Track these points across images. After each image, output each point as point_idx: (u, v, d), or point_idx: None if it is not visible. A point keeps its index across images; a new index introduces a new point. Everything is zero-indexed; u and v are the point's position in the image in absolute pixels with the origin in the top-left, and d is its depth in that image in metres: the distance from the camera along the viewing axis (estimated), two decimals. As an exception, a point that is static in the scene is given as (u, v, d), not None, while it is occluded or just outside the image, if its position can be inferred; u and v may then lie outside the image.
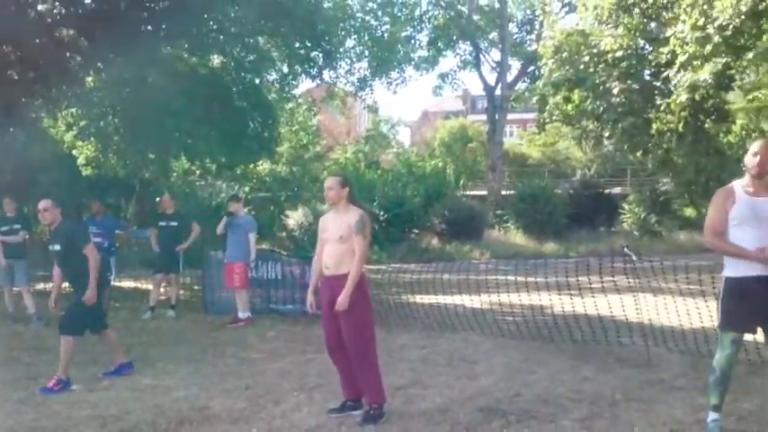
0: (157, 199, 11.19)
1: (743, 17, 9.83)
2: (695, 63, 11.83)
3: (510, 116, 35.41)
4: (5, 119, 13.01)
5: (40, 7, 11.98)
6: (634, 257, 7.47)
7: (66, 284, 6.73)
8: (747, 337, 4.60)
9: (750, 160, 4.25)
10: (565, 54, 18.92)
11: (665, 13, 12.07)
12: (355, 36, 27.70)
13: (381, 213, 23.43)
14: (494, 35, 32.33)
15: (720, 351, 4.33)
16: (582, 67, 18.18)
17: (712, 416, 4.34)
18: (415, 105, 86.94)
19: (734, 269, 4.28)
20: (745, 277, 4.21)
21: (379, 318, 9.06)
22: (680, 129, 15.24)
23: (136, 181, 20.30)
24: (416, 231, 23.90)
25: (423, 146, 43.68)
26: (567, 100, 21.08)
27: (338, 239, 4.87)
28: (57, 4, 11.64)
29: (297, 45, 14.11)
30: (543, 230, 25.39)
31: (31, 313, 9.53)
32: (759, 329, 4.35)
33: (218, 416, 5.08)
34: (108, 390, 5.97)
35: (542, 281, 8.71)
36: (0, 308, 10.17)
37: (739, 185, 4.35)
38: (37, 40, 11.69)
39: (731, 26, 9.98)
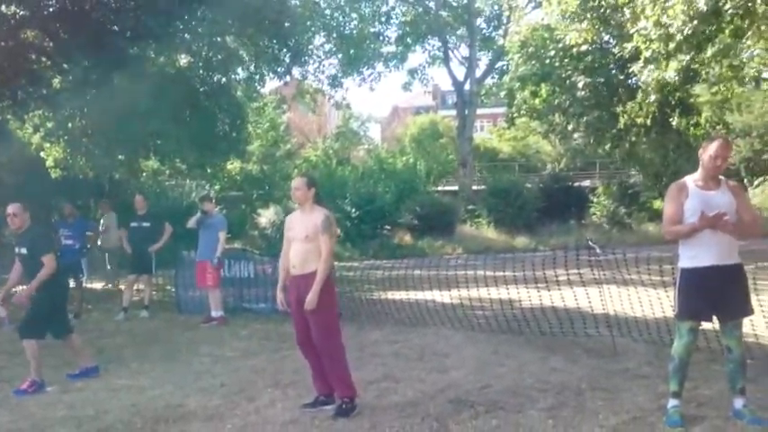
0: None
1: (696, 21, 10.09)
2: (660, 59, 12.10)
3: (480, 111, 35.73)
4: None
5: (3, 9, 11.83)
6: (598, 250, 7.68)
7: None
8: (707, 325, 4.80)
9: (708, 162, 4.42)
10: (531, 49, 19.21)
11: (626, 11, 12.32)
12: (324, 33, 27.74)
13: (353, 210, 23.53)
14: (462, 30, 32.56)
15: (678, 339, 4.52)
16: (548, 61, 18.48)
17: (672, 402, 4.53)
18: (385, 101, 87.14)
19: (689, 260, 4.46)
20: (700, 267, 4.40)
21: (351, 314, 9.24)
22: (647, 123, 15.59)
23: (106, 181, 20.11)
24: (388, 228, 24.04)
25: (393, 142, 43.84)
26: (535, 94, 21.38)
27: (304, 239, 4.98)
28: (21, 5, 11.50)
29: (264, 44, 14.12)
30: (514, 224, 25.72)
31: (1, 317, 9.44)
32: (714, 318, 4.55)
33: (194, 413, 5.15)
34: (83, 390, 5.99)
35: (511, 275, 8.89)
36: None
37: (691, 180, 4.55)
38: (1, 43, 11.57)
39: (687, 28, 10.25)
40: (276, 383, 5.92)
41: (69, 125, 13.49)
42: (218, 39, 13.48)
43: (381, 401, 5.28)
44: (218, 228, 9.61)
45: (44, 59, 12.68)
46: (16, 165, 17.27)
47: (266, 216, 24.38)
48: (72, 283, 10.61)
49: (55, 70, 12.89)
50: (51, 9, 11.41)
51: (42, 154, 15.97)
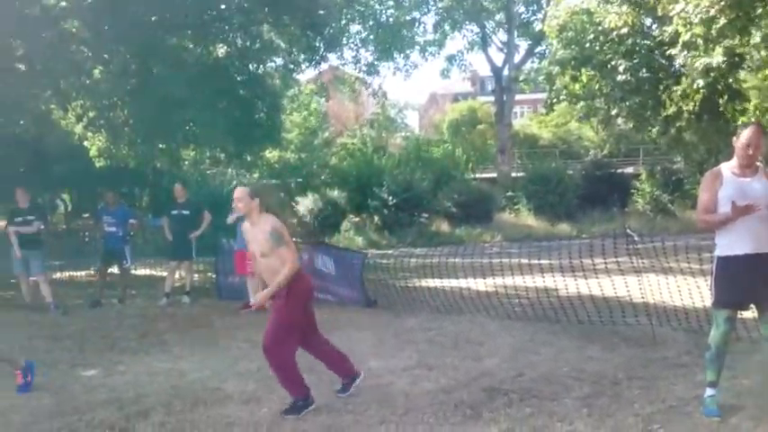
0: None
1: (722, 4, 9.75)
2: (699, 43, 11.78)
3: (519, 97, 35.31)
4: (16, 112, 13.20)
5: (45, 1, 12.09)
6: (636, 238, 7.56)
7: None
8: (747, 314, 4.70)
9: (741, 150, 4.32)
10: (570, 33, 18.85)
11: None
12: (360, 22, 27.70)
13: (390, 198, 23.55)
14: (500, 16, 32.17)
15: (715, 329, 4.44)
16: (588, 45, 18.12)
17: (709, 391, 4.46)
18: (423, 88, 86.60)
19: (725, 248, 4.37)
20: (735, 256, 4.30)
21: (387, 302, 9.28)
22: (695, 110, 15.21)
23: (148, 170, 20.52)
24: (426, 215, 23.99)
25: (431, 129, 43.65)
26: (575, 79, 21.02)
27: (261, 256, 4.83)
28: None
29: (298, 32, 14.18)
30: (555, 212, 25.43)
31: (48, 302, 9.74)
32: (752, 306, 4.45)
33: (231, 397, 5.25)
34: (125, 374, 6.15)
35: (548, 263, 8.82)
36: (18, 297, 10.42)
37: (727, 167, 4.44)
38: (43, 34, 11.82)
39: (729, 11, 9.94)
40: (311, 369, 5.97)
41: (110, 115, 13.76)
42: (254, 28, 13.58)
43: (414, 388, 5.30)
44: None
45: (85, 50, 12.94)
46: (61, 154, 17.74)
47: (304, 204, 24.57)
48: (116, 270, 10.95)
49: (96, 60, 13.14)
50: (91, 0, 11.62)
51: (86, 143, 16.33)
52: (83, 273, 14.23)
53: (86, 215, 22.29)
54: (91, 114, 14.08)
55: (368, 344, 6.90)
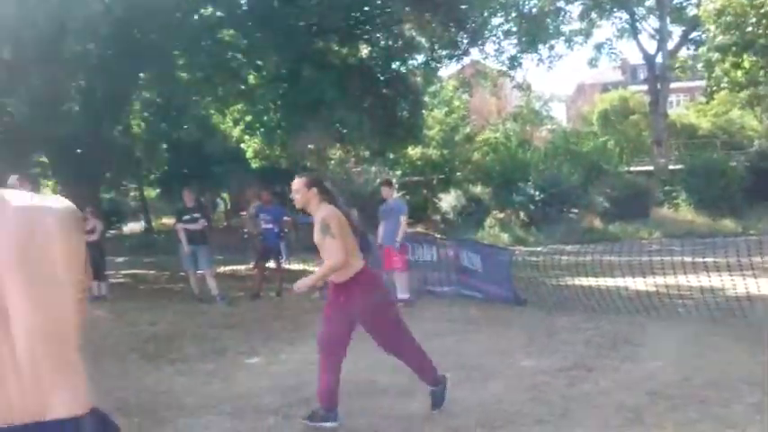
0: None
1: None
2: None
3: (674, 85, 33.22)
4: (179, 117, 14.30)
5: (202, 11, 12.94)
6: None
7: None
8: None
9: None
10: (729, 17, 17.46)
11: None
12: (502, 14, 27.25)
13: (537, 193, 23.02)
14: (650, 2, 30.41)
15: None
16: (749, 29, 16.69)
17: None
18: (570, 79, 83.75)
19: None
20: None
21: (538, 299, 9.06)
22: None
23: (298, 170, 21.45)
24: (575, 211, 23.21)
25: (579, 121, 42.10)
26: (737, 66, 19.44)
27: (317, 246, 4.56)
28: (218, 7, 12.53)
29: (441, 29, 14.20)
30: (717, 206, 23.68)
31: (214, 294, 10.44)
32: None
33: (385, 390, 5.34)
34: (286, 363, 6.44)
35: (713, 261, 8.21)
36: (187, 290, 11.25)
37: None
38: (202, 43, 12.67)
39: None
40: (461, 365, 5.97)
41: (265, 118, 14.52)
42: (396, 27, 13.78)
43: (572, 390, 5.12)
44: (398, 212, 9.84)
45: (240, 57, 13.74)
46: (220, 157, 19.03)
47: (447, 200, 24.61)
48: (273, 265, 11.51)
49: (250, 67, 13.92)
50: (245, 8, 12.30)
51: (243, 146, 17.36)
52: (242, 267, 15.12)
53: (244, 213, 23.71)
54: (247, 119, 14.94)
55: (519, 343, 6.77)
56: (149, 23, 10.64)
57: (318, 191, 4.59)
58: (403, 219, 9.79)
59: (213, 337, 7.83)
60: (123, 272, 15.65)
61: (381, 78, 14.81)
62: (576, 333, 7.16)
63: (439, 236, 13.07)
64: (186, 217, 10.53)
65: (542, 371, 5.68)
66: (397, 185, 11.31)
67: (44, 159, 14.77)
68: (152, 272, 16.25)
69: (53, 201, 1.62)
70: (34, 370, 1.45)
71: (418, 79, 18.31)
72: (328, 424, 4.56)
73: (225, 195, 26.92)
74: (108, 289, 11.45)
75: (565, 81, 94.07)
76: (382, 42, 14.65)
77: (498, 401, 4.89)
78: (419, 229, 18.15)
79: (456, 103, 31.90)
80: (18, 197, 1.56)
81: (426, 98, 22.35)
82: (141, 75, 12.57)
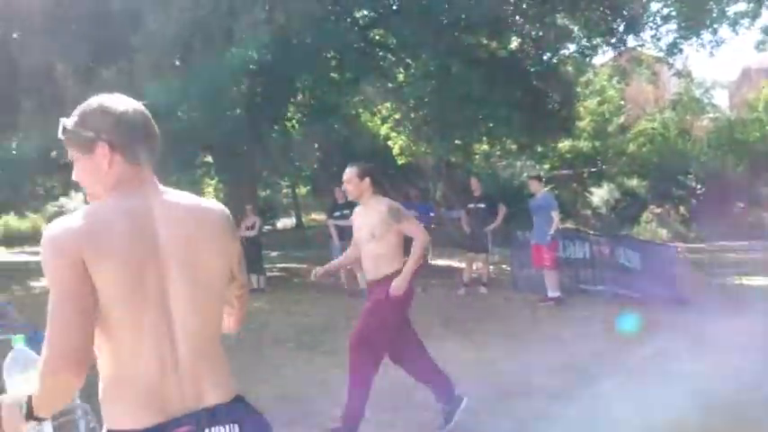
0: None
1: None
2: None
3: None
4: (329, 117, 14.78)
5: (356, 14, 13.26)
6: None
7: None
8: None
9: None
10: None
11: None
12: (662, -2, 25.61)
13: (698, 186, 21.53)
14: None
15: None
16: None
17: None
18: (734, 63, 77.34)
19: None
20: None
21: (702, 300, 8.44)
22: None
23: (442, 165, 21.52)
24: (741, 205, 21.45)
25: (744, 108, 38.75)
26: None
27: (371, 238, 4.33)
28: (371, 8, 12.81)
29: (596, 16, 13.60)
30: None
31: (362, 289, 10.68)
32: None
33: (539, 391, 5.20)
34: (436, 360, 6.44)
35: None
36: (337, 284, 11.62)
37: None
38: (354, 45, 13.00)
39: None
40: (617, 369, 5.69)
41: (412, 115, 14.65)
42: (548, 18, 13.37)
43: (741, 396, 4.71)
44: (549, 207, 9.58)
45: (389, 56, 13.97)
46: (367, 153, 19.47)
47: (599, 195, 23.63)
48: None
49: (399, 65, 14.11)
50: (395, 8, 12.48)
51: (389, 143, 17.65)
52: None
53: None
54: (396, 116, 15.17)
55: (683, 346, 6.34)
56: (306, 28, 11.09)
57: (372, 182, 4.46)
58: (555, 214, 9.52)
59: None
60: (278, 265, 16.46)
61: (531, 70, 14.45)
62: (749, 337, 6.59)
63: (591, 232, 12.55)
64: (337, 213, 10.89)
65: (708, 377, 5.28)
66: (544, 179, 11.01)
67: (208, 160, 15.84)
68: (304, 266, 16.96)
69: (212, 203, 1.73)
70: (192, 367, 1.58)
71: (569, 69, 17.69)
72: None
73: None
74: (265, 282, 12.09)
75: (729, 66, 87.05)
76: (533, 33, 14.27)
77: (663, 411, 4.60)
78: (569, 224, 17.56)
79: (610, 92, 30.44)
80: (185, 197, 1.68)
81: (578, 88, 21.55)
82: (297, 78, 13.11)
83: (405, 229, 4.34)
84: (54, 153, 10.90)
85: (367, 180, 4.43)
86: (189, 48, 9.90)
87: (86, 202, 1.70)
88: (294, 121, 15.67)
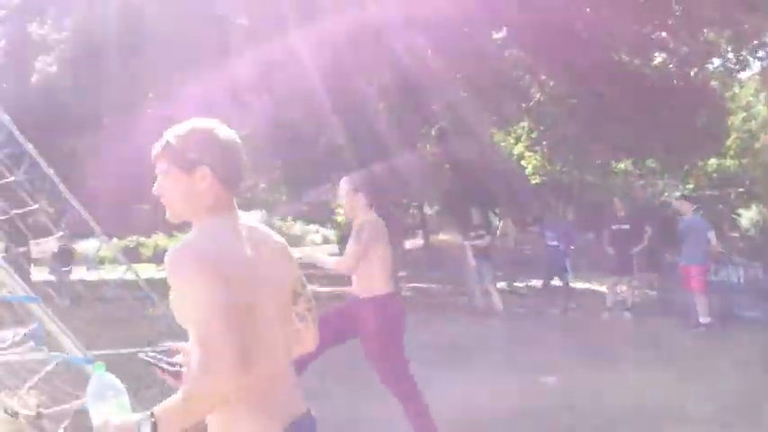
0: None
1: None
2: None
3: None
4: (464, 139, 14.84)
5: (494, 35, 13.24)
6: None
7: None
8: None
9: None
10: None
11: None
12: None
13: None
14: None
15: None
16: None
17: None
18: None
19: None
20: None
21: None
22: None
23: (574, 185, 20.97)
24: None
25: None
26: None
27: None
28: (508, 29, 12.76)
29: (750, 28, 12.80)
30: None
31: (497, 309, 10.65)
32: None
33: (690, 418, 5.01)
34: (579, 382, 6.29)
35: None
36: (470, 303, 11.63)
37: None
38: (490, 65, 12.98)
39: None
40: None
41: (549, 134, 14.43)
42: (696, 32, 12.75)
43: None
44: (703, 229, 9.14)
45: (526, 75, 13.84)
46: (500, 173, 19.33)
47: (747, 216, 22.07)
48: (558, 282, 11.39)
49: (536, 84, 13.96)
50: (532, 28, 12.37)
51: (523, 162, 17.45)
52: (523, 284, 15.12)
53: (524, 230, 23.75)
54: (532, 135, 14.98)
55: None
56: (444, 52, 11.29)
57: (365, 196, 4.16)
58: (712, 236, 9.09)
59: (501, 350, 7.97)
60: (408, 285, 16.63)
61: (677, 86, 13.79)
62: None
63: (739, 257, 11.78)
64: (472, 234, 10.94)
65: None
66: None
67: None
68: (433, 285, 17.02)
69: (263, 227, 1.88)
70: (291, 377, 1.79)
71: (714, 83, 16.77)
72: None
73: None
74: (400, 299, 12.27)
75: None
76: (681, 49, 13.63)
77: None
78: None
79: (758, 107, 28.44)
80: (251, 221, 1.83)
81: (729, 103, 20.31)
82: (431, 98, 13.30)
83: (348, 246, 4.11)
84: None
85: (360, 195, 4.15)
86: (330, 73, 10.33)
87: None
88: (426, 142, 15.87)
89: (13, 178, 5.83)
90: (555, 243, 10.97)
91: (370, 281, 4.09)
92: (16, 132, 6.43)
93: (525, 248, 19.00)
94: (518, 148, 17.16)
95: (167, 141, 1.73)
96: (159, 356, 1.80)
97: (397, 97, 11.99)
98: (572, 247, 11.26)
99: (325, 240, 44.64)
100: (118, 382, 1.67)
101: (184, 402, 1.51)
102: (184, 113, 2.02)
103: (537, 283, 14.18)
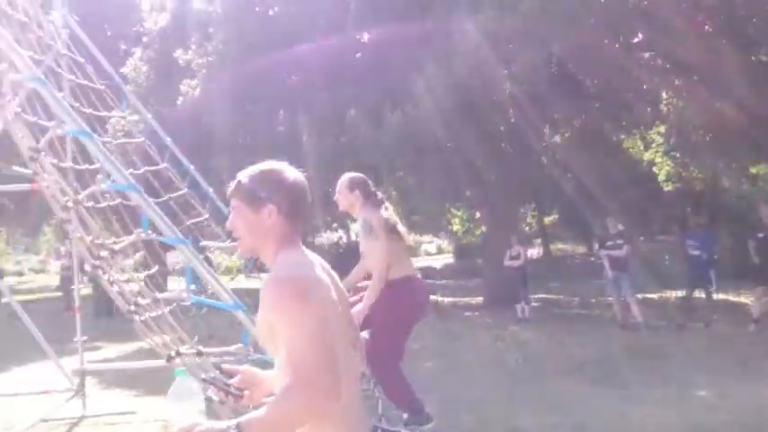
0: None
1: None
2: None
3: None
4: (591, 146, 14.47)
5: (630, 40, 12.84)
6: None
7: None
8: None
9: None
10: None
11: None
12: None
13: None
14: None
15: None
16: None
17: None
18: None
19: None
20: None
21: None
22: None
23: (707, 190, 19.87)
24: None
25: None
26: None
27: (362, 254, 4.22)
28: (641, 29, 12.32)
29: None
30: None
31: (638, 321, 10.31)
32: None
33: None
34: (739, 399, 6.05)
35: None
36: (605, 315, 11.34)
37: None
38: (619, 70, 12.59)
39: None
40: None
41: (683, 139, 13.81)
42: None
43: None
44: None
45: (656, 78, 13.28)
46: (630, 180, 18.62)
47: None
48: (702, 294, 10.86)
49: (666, 88, 13.39)
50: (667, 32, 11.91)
51: (654, 169, 16.73)
52: (660, 295, 14.48)
53: (661, 238, 22.71)
54: (661, 141, 14.39)
55: None
56: (577, 57, 11.14)
57: (362, 193, 4.26)
58: None
59: (647, 364, 7.75)
60: (532, 296, 16.39)
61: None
62: None
63: None
64: (609, 243, 10.66)
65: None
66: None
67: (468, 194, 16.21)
68: (560, 297, 16.67)
69: None
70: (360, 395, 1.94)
71: None
72: (426, 426, 4.21)
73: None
74: (530, 312, 12.17)
75: None
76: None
77: None
78: None
79: None
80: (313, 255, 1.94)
81: None
82: (558, 106, 13.10)
83: (372, 249, 4.11)
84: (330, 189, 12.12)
85: (357, 192, 4.27)
86: (467, 90, 10.44)
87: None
88: (551, 152, 15.57)
89: (185, 190, 6.37)
90: (697, 252, 10.48)
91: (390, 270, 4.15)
92: (179, 153, 7.02)
93: (657, 258, 18.27)
94: (648, 155, 16.53)
95: (239, 181, 1.89)
96: (219, 377, 1.98)
97: (521, 104, 11.91)
98: (715, 257, 10.73)
99: (440, 250, 44.68)
100: (197, 386, 1.83)
101: (277, 418, 1.64)
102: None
103: (672, 294, 13.61)
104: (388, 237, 4.11)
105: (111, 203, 4.85)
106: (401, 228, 4.26)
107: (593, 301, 14.60)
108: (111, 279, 4.18)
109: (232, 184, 1.91)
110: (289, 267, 1.79)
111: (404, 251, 4.31)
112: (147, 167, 5.87)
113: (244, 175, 1.90)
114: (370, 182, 4.38)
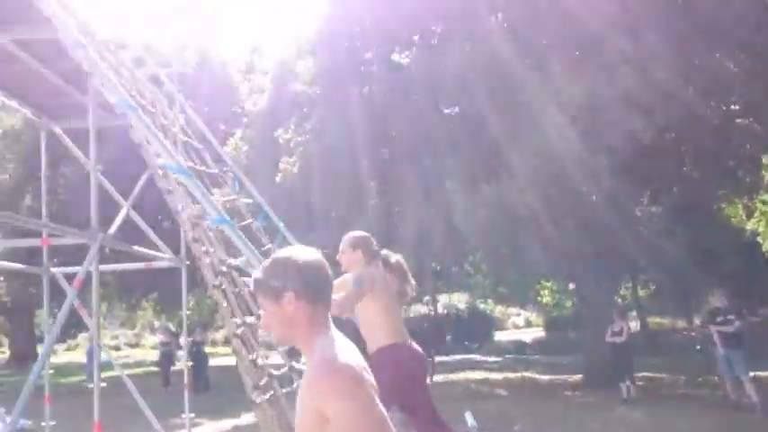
0: None
1: None
2: None
3: None
4: (690, 215, 13.98)
5: (713, 103, 12.52)
6: None
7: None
8: None
9: None
10: None
11: None
12: None
13: None
14: None
15: None
16: None
17: None
18: None
19: None
20: None
21: None
22: None
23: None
24: None
25: None
26: None
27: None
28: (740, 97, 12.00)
29: None
30: None
31: (753, 402, 9.62)
32: None
33: None
34: None
35: None
36: (716, 395, 10.62)
37: None
38: (718, 136, 12.24)
39: None
40: None
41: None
42: None
43: None
44: None
45: (757, 144, 12.82)
46: (730, 251, 17.74)
47: None
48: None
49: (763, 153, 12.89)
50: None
51: (758, 239, 15.97)
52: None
53: (762, 311, 21.34)
54: (765, 209, 13.73)
55: None
56: (676, 125, 10.95)
57: (365, 253, 4.18)
58: None
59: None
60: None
61: None
62: None
63: None
64: (719, 318, 10.10)
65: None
66: None
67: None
68: (664, 375, 15.78)
69: None
70: None
71: None
72: None
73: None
74: (635, 391, 11.57)
75: None
76: None
77: None
78: None
79: None
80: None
81: None
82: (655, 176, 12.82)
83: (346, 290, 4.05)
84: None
85: (359, 252, 4.21)
86: (561, 161, 10.43)
87: None
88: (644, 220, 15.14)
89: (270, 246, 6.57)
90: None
91: (372, 332, 4.15)
92: (290, 236, 7.19)
93: (763, 333, 17.11)
94: (751, 224, 15.77)
95: (256, 278, 1.90)
96: None
97: (618, 173, 11.72)
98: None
99: (528, 323, 43.23)
100: None
101: None
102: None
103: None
104: (380, 295, 4.13)
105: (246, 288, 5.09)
106: (409, 284, 4.37)
107: (700, 379, 13.77)
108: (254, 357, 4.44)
109: (251, 282, 1.98)
110: (334, 354, 1.78)
111: (393, 309, 4.26)
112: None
113: (259, 270, 1.92)
114: (373, 240, 4.32)
